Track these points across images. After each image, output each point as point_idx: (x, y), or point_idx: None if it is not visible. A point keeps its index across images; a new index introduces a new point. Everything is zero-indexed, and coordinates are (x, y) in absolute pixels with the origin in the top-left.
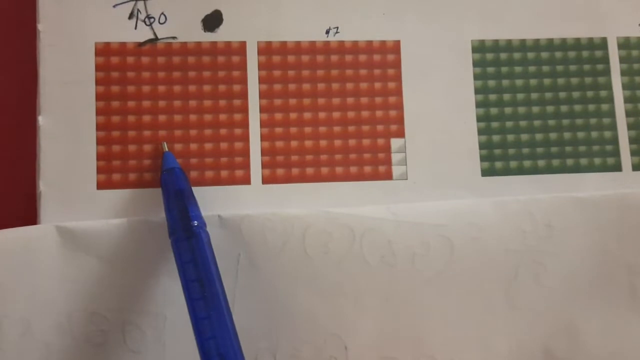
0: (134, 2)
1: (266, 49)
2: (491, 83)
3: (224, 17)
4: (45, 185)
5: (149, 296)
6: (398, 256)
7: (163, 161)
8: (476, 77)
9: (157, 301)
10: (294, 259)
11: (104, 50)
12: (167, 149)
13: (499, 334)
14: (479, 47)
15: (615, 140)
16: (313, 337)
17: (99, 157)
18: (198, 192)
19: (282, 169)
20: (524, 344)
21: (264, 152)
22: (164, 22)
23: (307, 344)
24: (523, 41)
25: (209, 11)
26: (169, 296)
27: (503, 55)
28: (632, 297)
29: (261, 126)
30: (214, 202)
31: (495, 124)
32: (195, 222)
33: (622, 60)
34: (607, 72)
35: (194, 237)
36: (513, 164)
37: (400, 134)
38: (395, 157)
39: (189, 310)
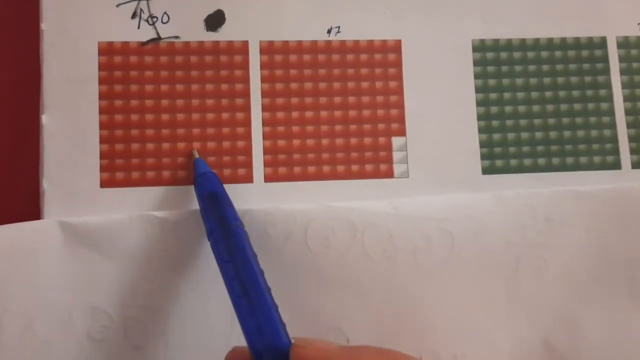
0: (137, 2)
1: (268, 49)
2: (491, 82)
3: (226, 16)
4: (49, 184)
5: (151, 291)
6: (399, 250)
7: (195, 167)
8: (477, 76)
9: (159, 296)
10: (296, 253)
11: (107, 50)
12: (197, 156)
13: (500, 327)
14: (480, 47)
15: (614, 139)
16: (315, 330)
17: (102, 155)
18: None
19: (284, 167)
20: (525, 337)
21: (266, 151)
22: (167, 22)
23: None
24: (523, 40)
25: (211, 11)
26: (171, 291)
27: (503, 55)
28: (631, 290)
29: (263, 125)
30: None
31: (495, 123)
32: (232, 222)
33: (621, 59)
34: (606, 71)
35: (232, 236)
36: (513, 162)
37: (402, 132)
38: (396, 155)
39: (234, 308)
